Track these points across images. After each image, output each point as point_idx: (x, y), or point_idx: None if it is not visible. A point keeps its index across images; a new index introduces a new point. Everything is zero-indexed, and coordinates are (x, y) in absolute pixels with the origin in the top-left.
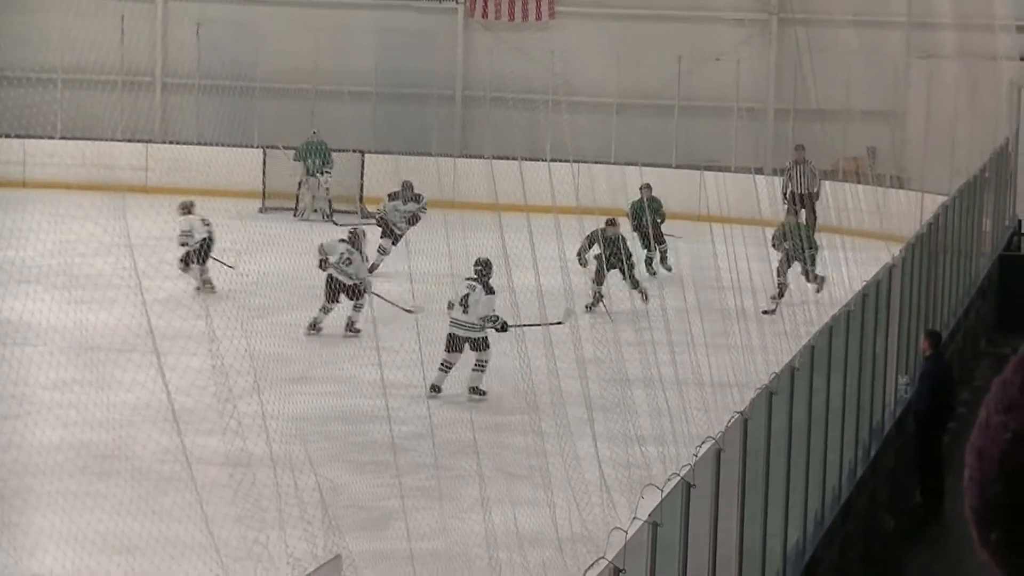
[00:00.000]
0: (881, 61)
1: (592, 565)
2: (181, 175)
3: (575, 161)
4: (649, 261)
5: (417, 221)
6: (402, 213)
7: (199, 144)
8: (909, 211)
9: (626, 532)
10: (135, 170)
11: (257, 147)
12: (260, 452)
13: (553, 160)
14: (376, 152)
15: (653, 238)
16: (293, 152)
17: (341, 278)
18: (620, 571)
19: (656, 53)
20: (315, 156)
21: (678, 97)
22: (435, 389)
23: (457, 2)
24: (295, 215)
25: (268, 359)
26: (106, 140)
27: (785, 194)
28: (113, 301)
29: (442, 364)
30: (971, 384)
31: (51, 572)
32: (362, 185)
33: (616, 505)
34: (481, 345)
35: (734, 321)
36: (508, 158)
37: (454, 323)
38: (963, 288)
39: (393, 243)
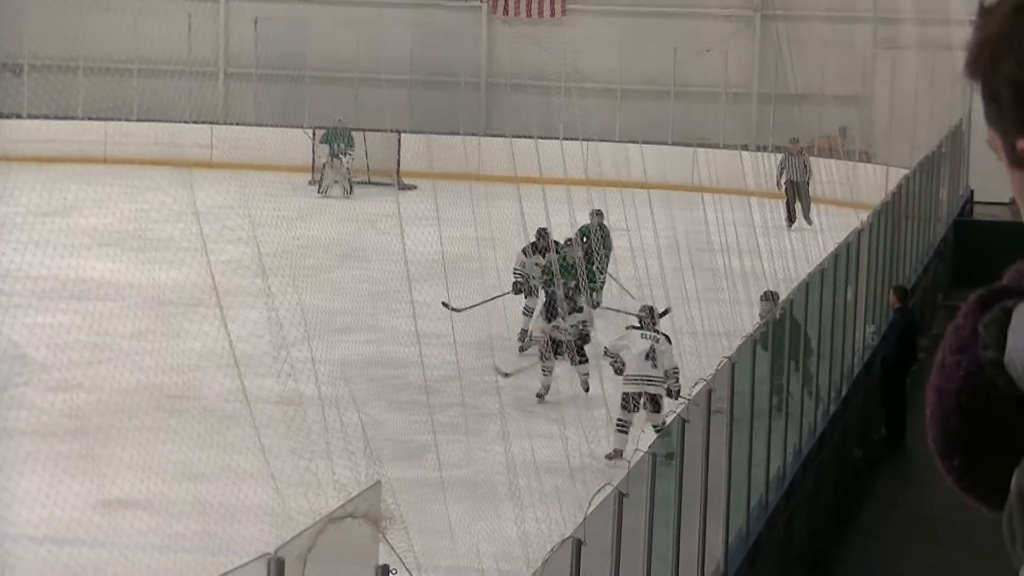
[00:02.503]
0: (851, 52)
1: (600, 490)
2: (241, 152)
3: (584, 139)
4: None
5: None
6: (543, 267)
7: (257, 125)
8: (876, 182)
9: (629, 462)
10: (201, 148)
11: (308, 128)
12: (310, 392)
13: (565, 139)
14: (411, 132)
15: (596, 268)
16: (322, 134)
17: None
18: (624, 495)
19: (654, 45)
20: (339, 140)
21: (673, 83)
22: (618, 454)
23: (481, 1)
24: (319, 191)
25: (317, 312)
26: (176, 122)
27: (780, 182)
28: (182, 262)
29: (620, 424)
30: (930, 333)
31: (130, 496)
32: (399, 160)
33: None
34: (658, 405)
35: (723, 278)
36: (526, 137)
37: (642, 381)
38: (923, 249)
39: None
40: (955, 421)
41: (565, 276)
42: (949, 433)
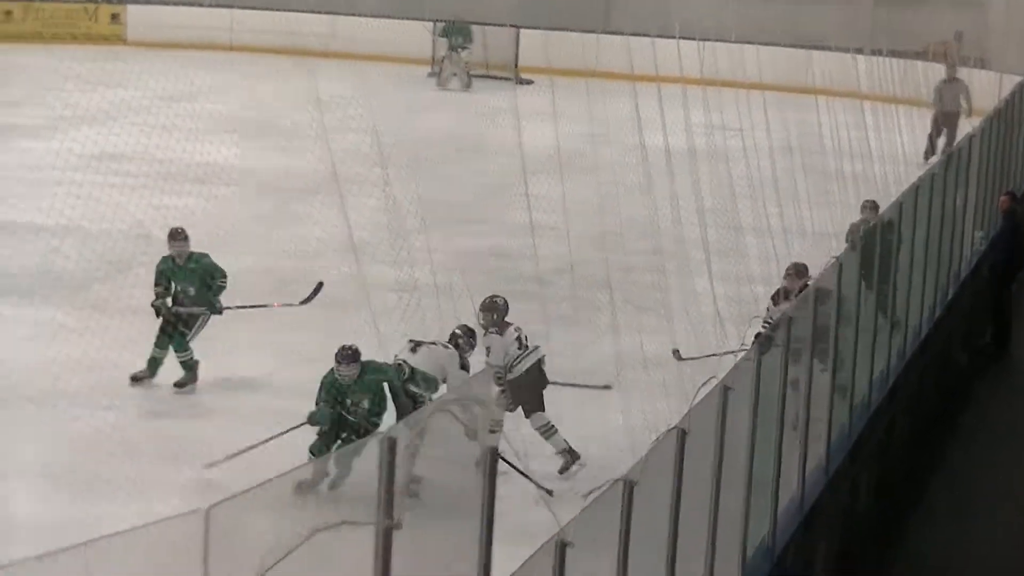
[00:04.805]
0: None
1: (706, 383)
2: (361, 43)
3: (700, 39)
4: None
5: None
6: None
7: (377, 16)
8: (990, 89)
9: (735, 355)
10: (321, 37)
11: (427, 20)
12: (426, 280)
13: (681, 38)
14: (528, 27)
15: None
16: (441, 27)
17: None
18: (729, 389)
19: None
20: (458, 34)
21: None
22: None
23: None
24: (437, 84)
25: (433, 203)
26: (297, 11)
27: (936, 116)
28: (303, 149)
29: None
30: None
31: (247, 374)
32: (517, 55)
33: (727, 334)
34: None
35: (833, 180)
36: (642, 35)
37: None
38: None
39: None
40: None
41: None
42: None
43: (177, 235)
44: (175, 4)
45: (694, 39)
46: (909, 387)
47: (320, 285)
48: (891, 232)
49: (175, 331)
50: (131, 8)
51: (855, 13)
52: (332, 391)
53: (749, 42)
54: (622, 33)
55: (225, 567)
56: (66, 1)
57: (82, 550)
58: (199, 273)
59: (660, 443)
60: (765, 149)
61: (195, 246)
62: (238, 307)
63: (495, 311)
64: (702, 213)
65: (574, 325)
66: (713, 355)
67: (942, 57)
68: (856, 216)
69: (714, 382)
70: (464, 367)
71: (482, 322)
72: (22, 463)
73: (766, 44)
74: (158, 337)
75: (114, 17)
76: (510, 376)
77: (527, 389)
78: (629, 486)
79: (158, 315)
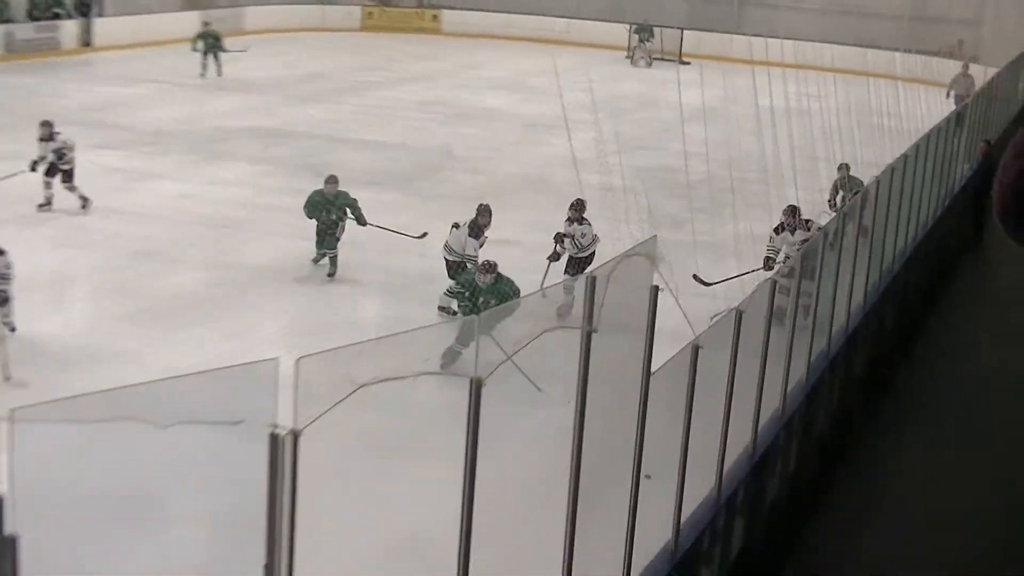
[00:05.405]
0: None
1: (797, 251)
2: (585, 36)
3: (796, 39)
4: None
5: None
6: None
7: (593, 20)
8: (979, 76)
9: (820, 228)
10: (560, 32)
11: (626, 22)
12: (618, 184)
13: (784, 38)
14: (689, 28)
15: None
16: (633, 27)
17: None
18: (805, 259)
19: None
20: (645, 31)
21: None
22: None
23: None
24: (631, 64)
25: (624, 136)
26: (541, 15)
27: (949, 93)
28: (544, 101)
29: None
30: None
31: (507, 238)
32: (681, 46)
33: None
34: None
35: (877, 131)
36: (760, 35)
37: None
38: (1005, 117)
39: None
40: (1008, 202)
41: None
42: (1007, 209)
43: (331, 180)
44: (472, 10)
45: (792, 39)
46: (919, 260)
47: (424, 234)
48: (908, 166)
49: (328, 238)
50: (446, 12)
51: (896, 25)
52: (468, 289)
53: (826, 41)
54: (746, 34)
55: (489, 349)
56: (403, 7)
57: (395, 338)
58: (343, 203)
59: (760, 288)
60: (834, 110)
61: (478, 162)
62: (376, 225)
63: (582, 208)
64: (792, 148)
65: (710, 216)
66: (734, 277)
67: (950, 56)
68: (888, 154)
69: (795, 251)
70: (476, 237)
71: (572, 215)
72: (364, 280)
73: (838, 43)
74: (318, 244)
75: (434, 16)
76: (582, 254)
77: (588, 264)
78: (739, 314)
79: (311, 217)
